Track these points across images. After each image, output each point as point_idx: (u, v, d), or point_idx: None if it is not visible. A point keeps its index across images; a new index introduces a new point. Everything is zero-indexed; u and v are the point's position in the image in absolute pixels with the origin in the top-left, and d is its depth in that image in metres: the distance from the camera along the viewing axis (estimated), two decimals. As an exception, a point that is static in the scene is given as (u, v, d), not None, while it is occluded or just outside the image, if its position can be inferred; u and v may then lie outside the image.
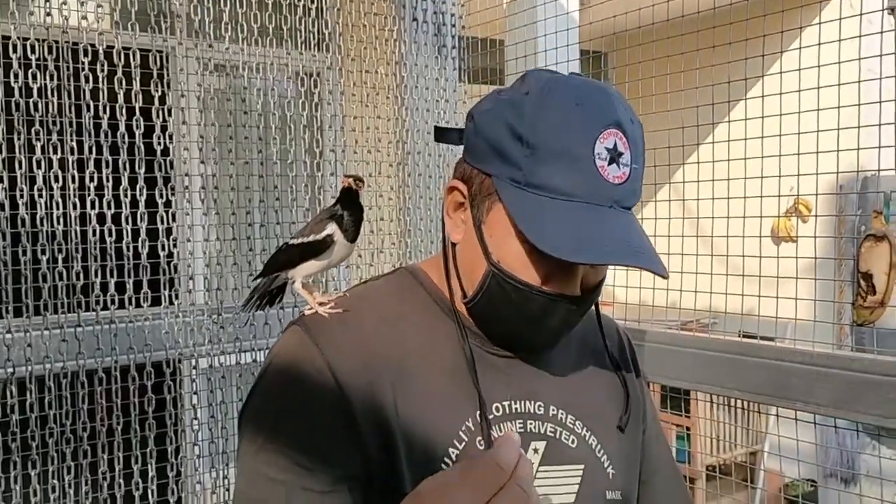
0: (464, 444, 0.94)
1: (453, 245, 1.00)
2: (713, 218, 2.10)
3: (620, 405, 1.09)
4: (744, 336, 1.99)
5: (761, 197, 1.99)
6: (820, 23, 1.87)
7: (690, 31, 2.10)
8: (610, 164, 0.88)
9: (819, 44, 1.83)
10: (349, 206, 1.11)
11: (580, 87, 0.91)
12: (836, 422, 1.87)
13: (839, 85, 1.80)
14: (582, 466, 1.01)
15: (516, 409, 0.99)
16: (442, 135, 1.05)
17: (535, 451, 0.98)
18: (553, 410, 1.01)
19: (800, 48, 1.86)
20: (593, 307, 1.12)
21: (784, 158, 1.92)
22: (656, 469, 1.16)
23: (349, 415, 0.90)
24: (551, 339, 1.00)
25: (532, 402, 1.00)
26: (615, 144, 0.88)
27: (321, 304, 0.98)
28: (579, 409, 1.03)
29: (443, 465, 0.92)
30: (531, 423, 0.99)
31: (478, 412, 0.95)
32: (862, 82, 1.79)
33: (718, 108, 2.05)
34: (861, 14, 1.82)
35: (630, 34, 2.34)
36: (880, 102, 1.74)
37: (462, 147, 1.01)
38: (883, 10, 1.85)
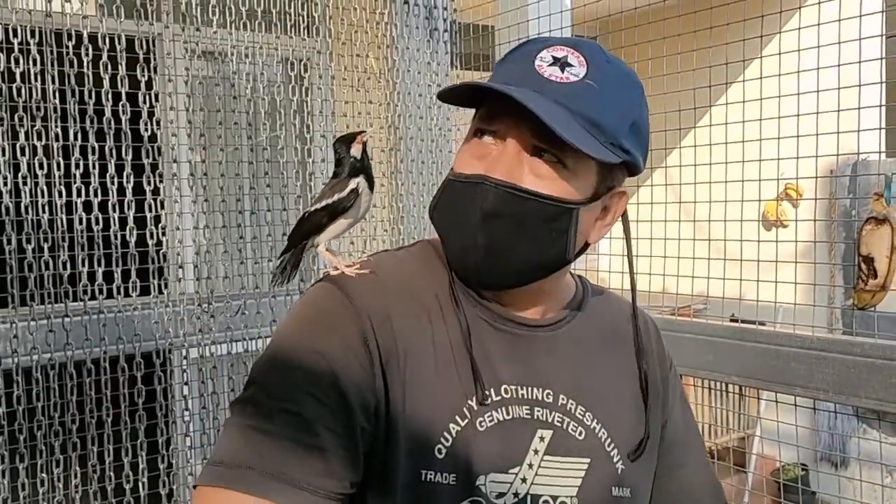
0: (466, 421, 0.93)
1: None
2: (705, 202, 2.08)
3: (638, 403, 1.05)
4: (733, 320, 1.98)
5: (745, 181, 1.98)
6: (800, 7, 1.86)
7: (679, 14, 2.08)
8: (552, 66, 0.90)
9: (799, 28, 1.82)
10: (362, 157, 1.13)
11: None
12: (829, 405, 1.88)
13: (820, 69, 1.78)
14: (588, 460, 0.98)
15: (523, 394, 0.97)
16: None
17: (542, 439, 0.96)
18: (562, 399, 0.99)
19: (779, 32, 1.85)
20: (629, 299, 1.10)
21: (775, 143, 1.91)
22: (683, 462, 1.12)
23: (370, 362, 0.90)
24: (477, 240, 0.92)
25: (541, 390, 0.98)
26: (566, 57, 0.91)
27: (346, 266, 0.99)
28: (591, 400, 1.00)
29: (441, 440, 0.91)
30: (538, 411, 0.97)
31: (483, 391, 0.94)
32: (851, 64, 1.77)
33: (709, 91, 2.03)
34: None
35: (621, 17, 2.31)
36: (859, 85, 1.72)
37: None
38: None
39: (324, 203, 1.11)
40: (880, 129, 1.91)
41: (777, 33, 1.92)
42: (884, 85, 1.94)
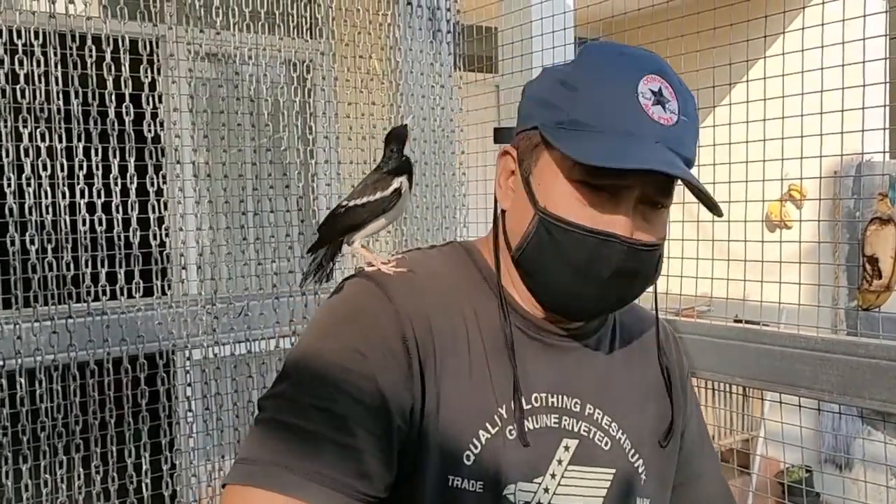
0: (496, 428, 0.92)
1: (503, 214, 0.99)
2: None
3: (664, 410, 1.06)
4: (737, 321, 1.98)
5: (748, 182, 1.98)
6: (804, 7, 1.85)
7: (682, 14, 2.07)
8: (655, 104, 0.87)
9: (803, 28, 1.81)
10: (402, 155, 1.10)
11: (628, 47, 0.94)
12: (835, 406, 1.87)
13: (824, 69, 1.78)
14: (613, 471, 0.98)
15: (553, 402, 0.96)
16: (500, 136, 1.06)
17: (566, 448, 0.96)
18: (589, 409, 0.98)
19: (783, 32, 1.84)
20: (651, 307, 1.10)
21: (778, 143, 1.91)
22: (700, 473, 1.13)
23: (408, 362, 0.88)
24: (603, 292, 0.92)
25: (570, 399, 0.97)
26: (660, 89, 0.87)
27: (383, 262, 0.98)
28: (617, 411, 1.00)
29: (471, 447, 0.90)
30: (566, 420, 0.97)
31: (512, 400, 0.93)
32: (855, 65, 1.77)
33: (713, 91, 2.03)
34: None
35: (624, 18, 2.31)
36: (864, 86, 1.72)
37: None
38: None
39: (365, 200, 1.07)
40: (884, 129, 1.90)
41: (781, 33, 1.91)
42: (888, 85, 1.94)
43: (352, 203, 1.08)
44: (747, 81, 1.96)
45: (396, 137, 1.10)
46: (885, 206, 1.53)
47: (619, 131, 0.86)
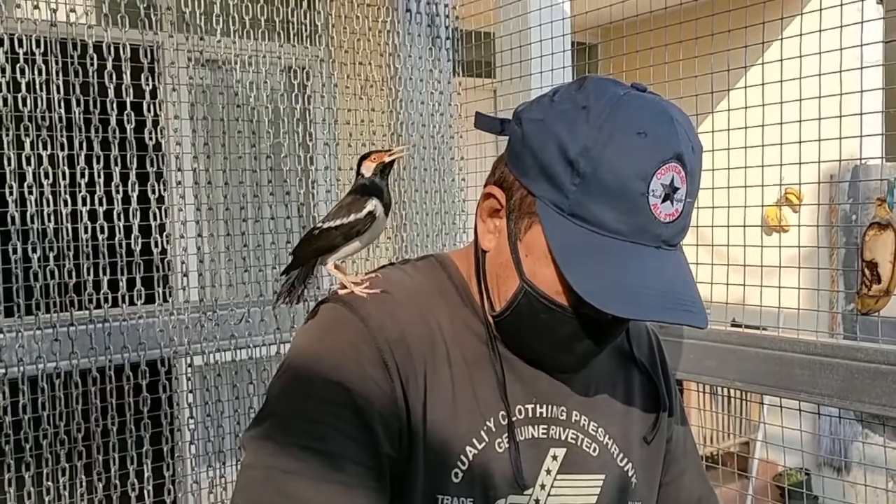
0: (483, 444, 0.92)
1: (483, 254, 0.96)
2: (710, 208, 2.09)
3: (648, 411, 1.06)
4: (733, 325, 1.99)
5: (748, 186, 1.99)
6: (801, 13, 1.87)
7: (680, 20, 2.09)
8: (664, 201, 0.82)
9: (801, 34, 1.82)
10: (381, 179, 1.09)
11: (645, 112, 0.84)
12: (832, 410, 1.88)
13: (822, 75, 1.79)
14: (602, 476, 0.98)
15: (541, 413, 0.96)
16: (482, 122, 0.98)
17: (555, 458, 0.96)
18: (576, 416, 0.98)
19: (781, 39, 1.86)
20: None
21: (774, 148, 1.92)
22: (684, 470, 1.13)
23: (391, 387, 0.88)
24: (580, 361, 0.95)
25: (555, 407, 0.97)
26: (672, 180, 0.82)
27: (356, 283, 0.96)
28: (603, 416, 1.01)
29: (458, 464, 0.90)
30: (553, 429, 0.97)
31: (500, 413, 0.93)
32: (849, 71, 1.79)
33: (707, 98, 2.04)
34: (842, 4, 1.82)
35: (620, 25, 2.32)
36: (861, 91, 1.74)
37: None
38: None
39: (338, 222, 1.07)
40: (882, 134, 1.92)
41: (778, 39, 1.93)
42: (883, 91, 1.96)
43: (325, 225, 1.08)
44: (745, 87, 1.97)
45: (362, 157, 1.10)
46: (884, 210, 1.54)
47: (622, 236, 0.83)
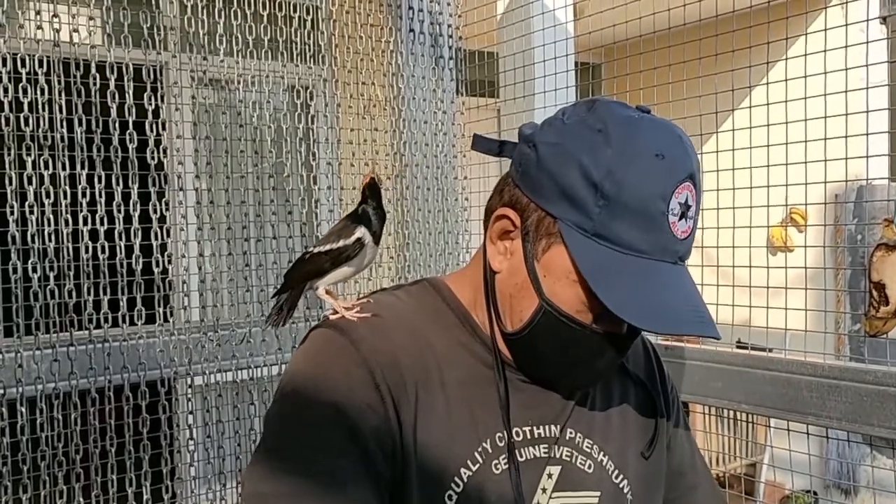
0: (478, 465, 0.91)
1: (492, 275, 0.97)
2: (711, 229, 2.08)
3: (645, 426, 1.06)
4: (738, 346, 1.97)
5: (754, 207, 1.98)
6: (806, 34, 1.87)
7: (681, 42, 2.09)
8: (680, 219, 0.86)
9: (805, 54, 1.82)
10: (374, 206, 1.11)
11: (660, 134, 0.88)
12: (837, 433, 1.85)
13: (827, 95, 1.78)
14: (598, 493, 0.98)
15: (538, 433, 0.96)
16: (480, 144, 1.01)
17: (550, 476, 0.96)
18: (570, 433, 0.98)
19: (786, 59, 1.85)
20: None
21: (778, 168, 1.91)
22: (695, 485, 1.13)
23: (384, 409, 0.88)
24: (595, 377, 0.98)
25: (551, 426, 0.98)
26: (686, 199, 0.87)
27: (347, 308, 0.97)
28: (597, 432, 1.01)
29: (452, 485, 0.90)
30: (549, 448, 0.97)
31: (497, 434, 0.93)
32: (855, 91, 1.78)
33: (710, 118, 2.03)
34: (846, 25, 1.82)
35: (623, 45, 2.33)
36: (867, 111, 1.73)
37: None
38: (868, 20, 1.84)
39: (328, 247, 1.09)
40: (888, 155, 1.91)
41: (783, 59, 1.92)
42: (889, 111, 1.95)
43: (316, 250, 1.10)
44: (750, 107, 1.97)
45: (370, 188, 1.12)
46: (892, 231, 1.53)
47: (645, 254, 0.86)
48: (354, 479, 0.85)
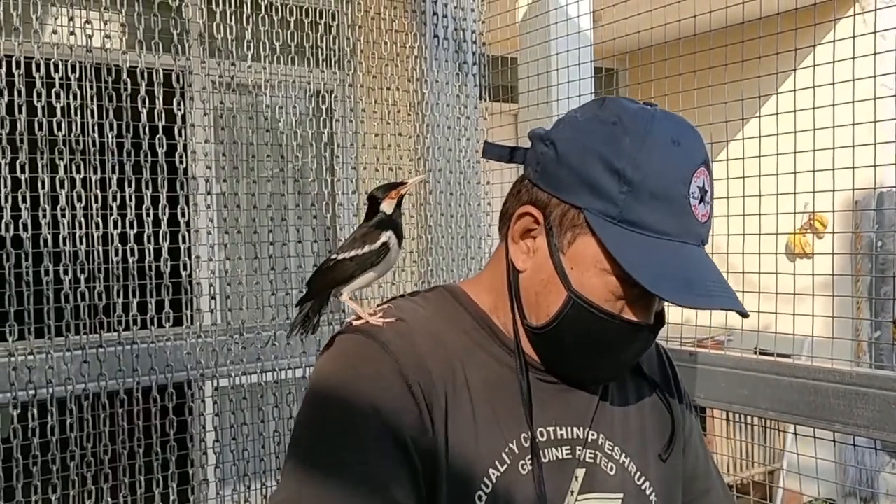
0: (506, 466, 0.92)
1: (516, 274, 0.98)
2: (731, 235, 2.08)
3: (662, 428, 1.07)
4: (760, 353, 1.96)
5: (777, 214, 1.98)
6: (834, 41, 1.87)
7: (702, 49, 2.09)
8: (700, 202, 0.89)
9: (833, 61, 1.82)
10: (394, 212, 1.12)
11: (671, 123, 0.91)
12: (856, 440, 1.85)
13: (854, 102, 1.79)
14: (621, 496, 0.99)
15: (562, 434, 0.97)
16: (491, 151, 1.02)
17: (576, 479, 0.97)
18: (593, 436, 0.99)
19: (814, 66, 1.86)
20: None
21: (799, 175, 1.91)
22: (707, 489, 1.14)
23: (418, 409, 0.89)
24: (622, 369, 1.00)
25: (574, 428, 0.99)
26: (703, 183, 0.89)
27: (370, 314, 0.97)
28: (619, 435, 1.02)
29: (482, 486, 0.91)
30: (574, 450, 0.98)
31: (523, 435, 0.94)
32: (877, 99, 1.78)
33: (732, 125, 2.04)
34: (875, 32, 1.82)
35: (642, 52, 2.33)
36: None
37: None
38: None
39: (353, 253, 1.09)
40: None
41: (791, 70, 1.93)
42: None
43: (340, 256, 1.10)
44: (777, 114, 1.97)
45: (378, 189, 1.13)
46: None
47: (671, 236, 0.88)
48: (398, 480, 0.86)
